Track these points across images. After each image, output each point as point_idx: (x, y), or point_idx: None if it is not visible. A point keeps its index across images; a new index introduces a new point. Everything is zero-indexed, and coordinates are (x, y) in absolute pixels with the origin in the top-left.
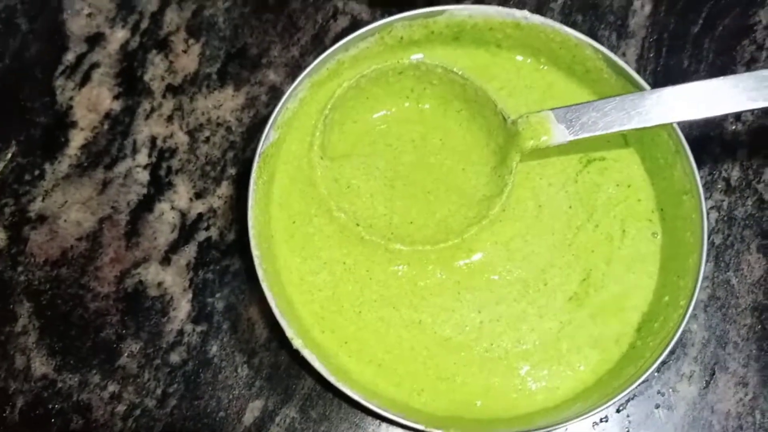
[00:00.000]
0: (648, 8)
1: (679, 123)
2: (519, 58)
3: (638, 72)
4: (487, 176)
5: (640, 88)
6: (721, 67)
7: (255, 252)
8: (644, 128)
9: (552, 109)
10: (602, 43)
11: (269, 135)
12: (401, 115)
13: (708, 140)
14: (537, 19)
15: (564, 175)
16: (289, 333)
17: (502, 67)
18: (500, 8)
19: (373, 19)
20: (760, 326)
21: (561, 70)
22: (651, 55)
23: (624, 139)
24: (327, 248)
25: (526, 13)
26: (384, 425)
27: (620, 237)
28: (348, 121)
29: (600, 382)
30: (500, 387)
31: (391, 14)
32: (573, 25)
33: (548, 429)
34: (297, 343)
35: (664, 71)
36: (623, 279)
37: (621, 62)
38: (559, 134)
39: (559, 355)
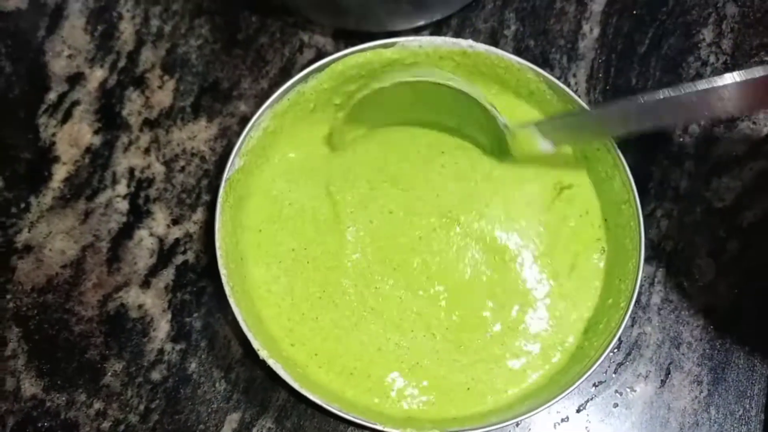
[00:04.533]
0: (596, 32)
1: (624, 137)
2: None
3: (588, 91)
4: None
5: (577, 106)
6: (668, 84)
7: (222, 270)
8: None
9: (536, 124)
10: (554, 66)
11: (234, 162)
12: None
13: (657, 152)
14: (481, 47)
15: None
16: (255, 344)
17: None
18: (447, 38)
19: (337, 51)
20: (711, 327)
21: (511, 94)
22: (600, 75)
23: (574, 158)
24: (285, 246)
25: (471, 42)
26: (357, 430)
27: (567, 273)
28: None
29: (550, 382)
30: (452, 386)
31: (354, 46)
32: (526, 49)
33: (500, 425)
34: (263, 353)
35: (613, 90)
36: (568, 285)
37: (559, 83)
38: (545, 146)
39: (502, 357)
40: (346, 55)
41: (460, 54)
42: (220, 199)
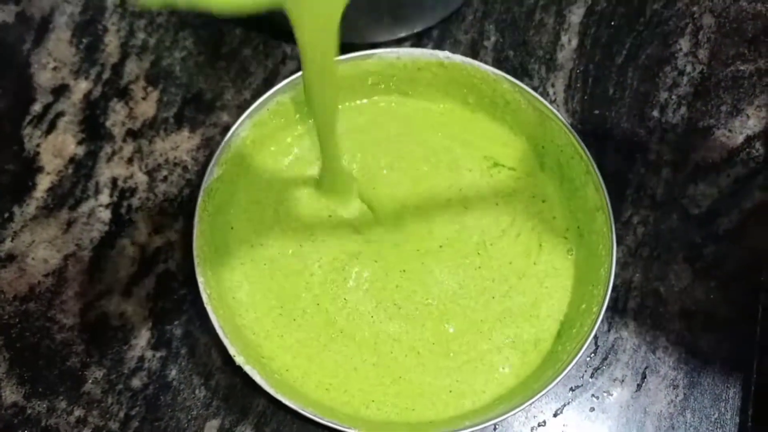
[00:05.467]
0: (575, 42)
1: (604, 146)
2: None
3: (566, 101)
4: None
5: (552, 117)
6: (645, 93)
7: (200, 279)
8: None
9: None
10: (533, 76)
11: (213, 171)
12: None
13: (633, 160)
14: (457, 58)
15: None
16: (232, 351)
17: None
18: (425, 50)
19: None
20: (687, 331)
21: (488, 112)
22: (578, 84)
23: (540, 164)
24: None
25: (447, 53)
26: None
27: (537, 252)
28: None
29: (522, 385)
30: (435, 390)
31: None
32: (505, 60)
33: (477, 428)
34: (239, 360)
35: (590, 99)
36: (533, 291)
37: (534, 93)
38: None
39: (480, 355)
40: None
41: (437, 65)
42: (198, 208)
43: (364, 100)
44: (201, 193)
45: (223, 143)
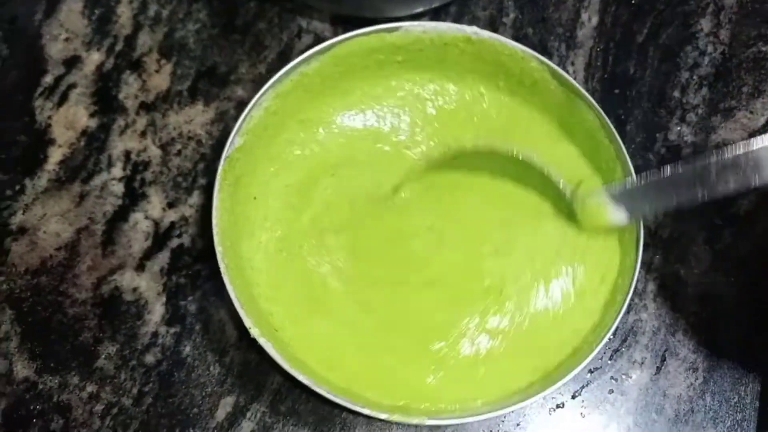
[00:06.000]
0: (595, 20)
1: (624, 125)
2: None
3: (586, 80)
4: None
5: (581, 97)
6: (666, 73)
7: (218, 248)
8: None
9: (608, 192)
10: (552, 54)
11: (234, 140)
12: None
13: (654, 141)
14: (485, 34)
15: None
16: (247, 322)
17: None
18: (451, 24)
19: (336, 36)
20: (707, 314)
21: (517, 95)
22: (599, 63)
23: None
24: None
25: (475, 28)
26: (350, 416)
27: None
28: None
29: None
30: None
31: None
32: (524, 37)
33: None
34: (254, 332)
35: (611, 78)
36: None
37: (563, 73)
38: (618, 217)
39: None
40: (350, 38)
41: (464, 40)
42: (218, 177)
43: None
44: (222, 162)
45: (245, 113)
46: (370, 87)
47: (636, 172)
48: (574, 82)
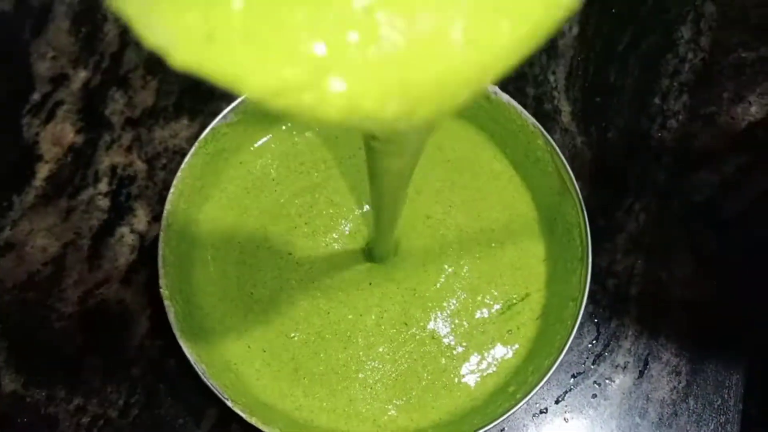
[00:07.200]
0: (575, 30)
1: (605, 133)
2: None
3: (567, 89)
4: None
5: (569, 193)
6: (647, 81)
7: (161, 279)
8: None
9: None
10: (533, 64)
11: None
12: None
13: (635, 147)
14: (504, 97)
15: None
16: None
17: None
18: None
19: None
20: (690, 318)
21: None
22: (579, 72)
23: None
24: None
25: (496, 88)
26: None
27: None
28: None
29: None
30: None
31: None
32: None
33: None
34: (230, 403)
35: (591, 87)
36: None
37: (564, 162)
38: None
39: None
40: None
41: (483, 99)
42: (171, 196)
43: None
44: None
45: (208, 128)
46: None
47: (614, 175)
48: (570, 173)
